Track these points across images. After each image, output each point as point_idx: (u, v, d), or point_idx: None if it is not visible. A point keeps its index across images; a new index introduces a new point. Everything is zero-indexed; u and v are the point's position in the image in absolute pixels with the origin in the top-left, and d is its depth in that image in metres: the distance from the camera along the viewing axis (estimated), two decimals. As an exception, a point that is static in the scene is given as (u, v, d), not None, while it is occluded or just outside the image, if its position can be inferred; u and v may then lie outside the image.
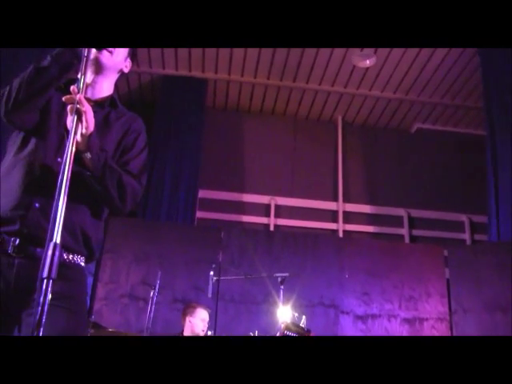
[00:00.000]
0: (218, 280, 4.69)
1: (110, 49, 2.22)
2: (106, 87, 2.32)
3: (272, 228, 7.41)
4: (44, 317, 1.69)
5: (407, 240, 7.60)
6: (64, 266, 1.83)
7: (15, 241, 1.97)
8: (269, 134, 8.05)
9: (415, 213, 7.80)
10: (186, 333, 4.80)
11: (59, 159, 2.04)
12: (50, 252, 1.76)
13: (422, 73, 7.15)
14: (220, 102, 8.04)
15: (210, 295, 4.56)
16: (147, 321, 4.57)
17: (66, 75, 2.10)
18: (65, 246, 1.90)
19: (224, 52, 7.00)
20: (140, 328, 5.41)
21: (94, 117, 1.98)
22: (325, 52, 6.85)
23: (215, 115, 7.93)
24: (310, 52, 6.87)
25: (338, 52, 6.84)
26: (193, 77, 7.48)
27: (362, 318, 6.17)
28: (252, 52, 6.96)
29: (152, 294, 4.65)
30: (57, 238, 1.77)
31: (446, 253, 6.54)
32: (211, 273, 4.58)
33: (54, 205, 1.65)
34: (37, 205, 2.00)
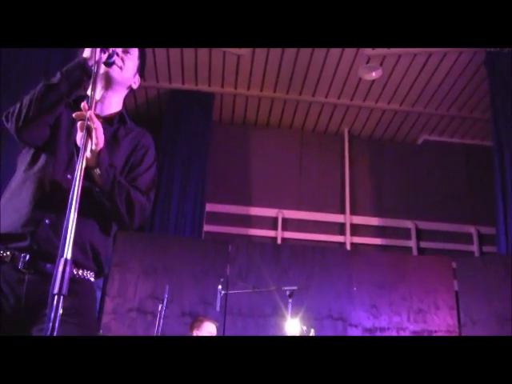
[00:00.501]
0: (226, 294, 4.69)
1: (120, 64, 2.24)
2: (114, 103, 2.32)
3: (279, 241, 7.40)
4: (55, 333, 1.71)
5: (415, 252, 7.57)
6: (74, 281, 1.83)
7: (25, 257, 1.97)
8: (275, 147, 8.07)
9: (423, 225, 7.78)
10: (194, 346, 4.78)
11: (69, 176, 2.06)
12: (60, 268, 1.77)
13: (428, 84, 7.16)
14: (227, 115, 8.08)
15: (218, 309, 4.56)
16: (156, 335, 4.57)
17: (76, 92, 2.11)
18: (74, 262, 1.89)
19: (230, 66, 7.04)
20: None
21: (104, 133, 1.99)
22: (331, 65, 6.88)
23: (222, 129, 7.97)
24: (316, 65, 6.89)
25: (344, 64, 6.86)
26: (199, 91, 7.52)
27: (371, 331, 6.14)
28: (258, 65, 6.99)
29: (160, 307, 4.64)
30: (67, 253, 1.79)
31: (454, 265, 6.51)
32: (219, 286, 4.57)
33: (65, 221, 1.66)
34: (47, 221, 2.01)
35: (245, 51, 6.69)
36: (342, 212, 7.78)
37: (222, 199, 7.51)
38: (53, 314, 1.73)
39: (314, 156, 8.09)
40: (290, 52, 6.67)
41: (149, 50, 6.75)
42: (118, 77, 2.26)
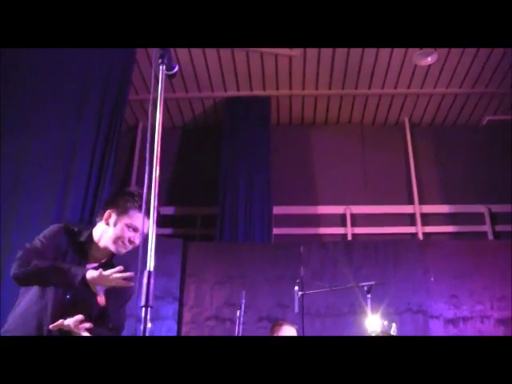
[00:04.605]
0: (302, 295, 4.66)
1: (136, 244, 2.62)
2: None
3: (350, 237, 7.33)
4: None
5: (491, 236, 7.33)
6: None
7: None
8: (336, 144, 8.00)
9: (496, 208, 7.51)
10: (276, 351, 4.77)
11: (68, 296, 2.49)
12: (145, 280, 1.81)
13: (487, 63, 6.94)
14: (284, 117, 8.07)
15: (297, 310, 4.53)
16: (237, 341, 4.57)
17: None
18: None
19: (283, 68, 7.03)
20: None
21: None
22: (384, 55, 6.77)
23: (281, 131, 7.96)
24: (369, 57, 6.80)
25: (398, 53, 6.74)
26: (255, 96, 7.55)
27: (453, 322, 5.97)
28: (311, 64, 6.95)
29: (238, 313, 4.66)
30: (151, 266, 1.82)
31: (534, 245, 6.27)
32: (296, 288, 4.54)
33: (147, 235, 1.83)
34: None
35: (296, 52, 6.67)
36: (411, 202, 7.63)
37: (288, 201, 7.50)
38: (142, 326, 1.76)
39: (376, 148, 7.97)
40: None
41: (201, 60, 6.83)
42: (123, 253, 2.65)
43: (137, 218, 2.58)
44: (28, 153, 5.20)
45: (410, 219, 7.57)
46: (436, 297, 6.09)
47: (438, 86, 7.43)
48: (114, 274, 2.35)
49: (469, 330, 5.90)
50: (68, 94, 5.76)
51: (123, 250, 2.60)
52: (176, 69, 2.20)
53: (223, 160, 7.27)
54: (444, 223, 7.55)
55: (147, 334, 1.75)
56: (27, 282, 2.45)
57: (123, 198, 2.63)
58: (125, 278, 2.36)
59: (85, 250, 2.60)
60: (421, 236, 7.32)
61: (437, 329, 5.92)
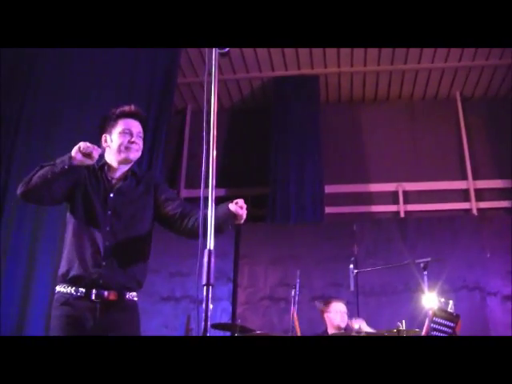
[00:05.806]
0: (357, 273, 4.64)
1: (141, 146, 2.78)
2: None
3: (402, 215, 7.25)
4: (209, 322, 1.78)
5: (547, 210, 7.13)
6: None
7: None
8: (386, 120, 7.90)
9: (554, 181, 7.29)
10: (329, 328, 4.80)
11: (107, 228, 2.63)
12: (205, 259, 1.85)
13: (543, 32, 6.70)
14: (333, 95, 8.00)
15: (352, 288, 4.52)
16: (292, 320, 4.60)
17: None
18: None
19: (331, 45, 6.95)
20: (284, 328, 5.49)
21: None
22: (434, 28, 6.61)
23: (330, 109, 7.90)
24: (419, 30, 6.65)
25: (449, 25, 6.57)
26: (303, 75, 7.50)
27: (512, 299, 5.86)
28: (359, 41, 6.85)
29: (293, 293, 4.68)
30: (210, 244, 1.86)
31: None
32: (351, 266, 4.53)
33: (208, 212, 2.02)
34: (103, 263, 2.60)
35: (343, 28, 6.59)
36: (464, 178, 7.48)
37: (339, 179, 7.47)
38: (204, 305, 1.80)
39: (427, 124, 7.83)
40: (391, 21, 6.49)
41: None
42: (135, 157, 2.77)
43: (124, 122, 2.75)
44: (81, 132, 5.34)
45: (463, 195, 7.43)
46: (492, 273, 5.98)
47: (490, 57, 7.22)
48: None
49: (528, 306, 5.78)
50: (118, 78, 5.90)
51: (131, 154, 2.72)
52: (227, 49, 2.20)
53: (273, 140, 7.26)
54: (499, 198, 7.37)
55: (209, 315, 1.79)
56: (31, 192, 2.51)
57: (105, 119, 2.81)
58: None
59: (103, 172, 2.75)
60: (475, 212, 7.18)
61: (494, 306, 5.83)
